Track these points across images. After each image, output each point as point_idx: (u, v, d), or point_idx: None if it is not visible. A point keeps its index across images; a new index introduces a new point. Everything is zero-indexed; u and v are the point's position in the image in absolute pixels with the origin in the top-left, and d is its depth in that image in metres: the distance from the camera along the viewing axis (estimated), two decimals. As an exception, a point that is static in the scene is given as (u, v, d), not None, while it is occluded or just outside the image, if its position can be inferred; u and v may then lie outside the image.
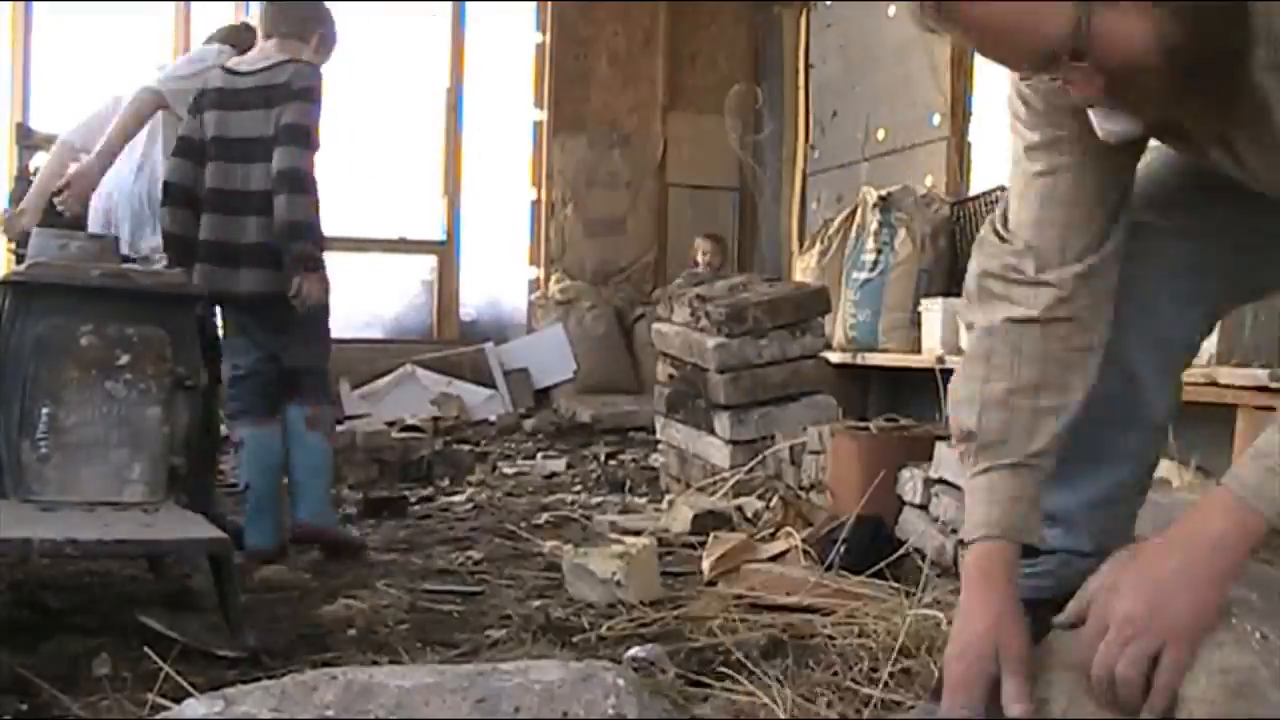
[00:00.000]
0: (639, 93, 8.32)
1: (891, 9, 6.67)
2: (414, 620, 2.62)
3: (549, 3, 8.15)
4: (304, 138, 3.22)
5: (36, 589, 2.71)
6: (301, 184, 3.20)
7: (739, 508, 3.67)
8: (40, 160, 4.12)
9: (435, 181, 7.95)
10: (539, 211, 8.19)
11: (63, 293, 2.64)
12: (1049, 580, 1.51)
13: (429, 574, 3.14)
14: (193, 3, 7.15)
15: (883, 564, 2.72)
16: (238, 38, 3.75)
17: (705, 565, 2.98)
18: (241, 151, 3.28)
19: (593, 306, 7.79)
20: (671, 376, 4.71)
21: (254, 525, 3.25)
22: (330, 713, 1.33)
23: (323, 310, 3.34)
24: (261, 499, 3.28)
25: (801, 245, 7.14)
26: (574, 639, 2.42)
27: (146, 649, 2.07)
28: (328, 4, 3.62)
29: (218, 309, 3.48)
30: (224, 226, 3.28)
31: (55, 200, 3.54)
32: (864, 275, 5.75)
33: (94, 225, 3.73)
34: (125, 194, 3.76)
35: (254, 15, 4.01)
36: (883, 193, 5.78)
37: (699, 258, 7.44)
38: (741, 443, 4.22)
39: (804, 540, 3.02)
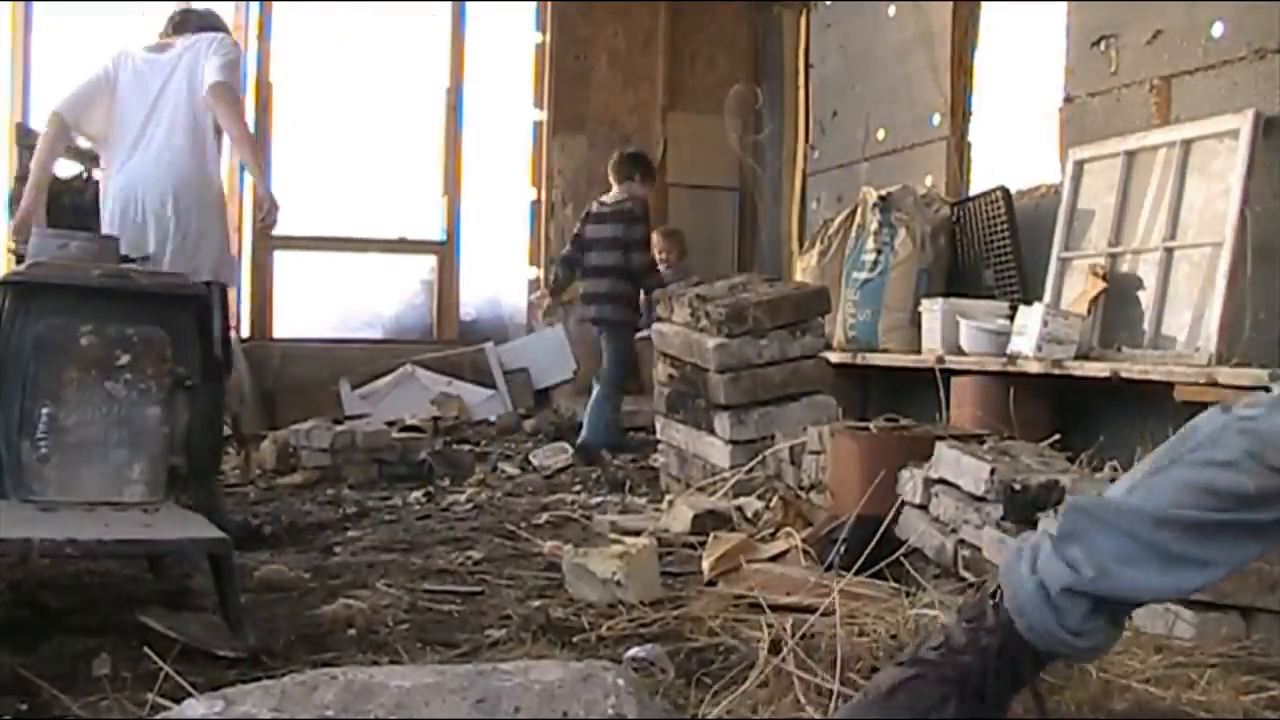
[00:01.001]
0: (639, 93, 8.32)
1: (891, 9, 6.67)
2: (414, 620, 2.61)
3: (549, 3, 8.14)
4: (642, 245, 6.08)
5: (36, 589, 2.71)
6: (654, 265, 6.20)
7: (739, 508, 3.67)
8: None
9: (435, 181, 7.95)
10: (539, 211, 8.19)
11: (63, 293, 2.63)
12: None
13: (429, 574, 3.14)
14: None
15: (883, 564, 2.71)
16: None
17: (705, 565, 2.98)
18: (605, 245, 6.02)
19: (593, 306, 7.80)
20: (671, 376, 4.71)
21: (589, 433, 5.93)
22: (330, 713, 1.33)
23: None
24: (592, 413, 5.98)
25: (801, 245, 7.14)
26: (574, 639, 2.42)
27: (146, 649, 2.07)
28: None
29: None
30: (596, 285, 6.07)
31: (13, 244, 3.69)
32: (864, 275, 5.75)
33: (108, 227, 3.67)
34: (150, 194, 3.67)
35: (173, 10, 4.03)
36: (883, 193, 5.77)
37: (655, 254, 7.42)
38: (741, 443, 4.22)
39: (804, 540, 3.02)
